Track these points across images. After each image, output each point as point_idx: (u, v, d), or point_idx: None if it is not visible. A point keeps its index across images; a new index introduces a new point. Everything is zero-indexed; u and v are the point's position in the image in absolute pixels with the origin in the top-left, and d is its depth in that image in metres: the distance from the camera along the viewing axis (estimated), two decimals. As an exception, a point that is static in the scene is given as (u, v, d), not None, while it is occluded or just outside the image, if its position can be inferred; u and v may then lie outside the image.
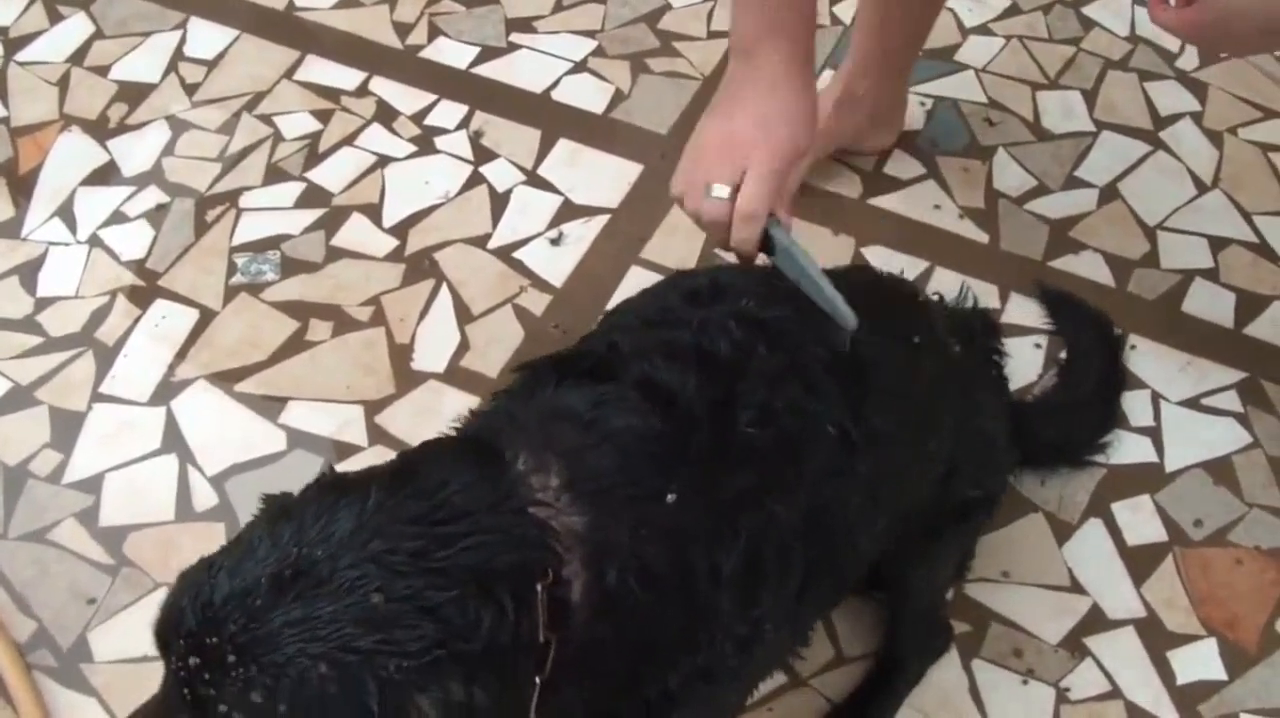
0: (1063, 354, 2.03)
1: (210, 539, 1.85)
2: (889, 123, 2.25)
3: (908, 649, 1.77)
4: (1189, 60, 2.40)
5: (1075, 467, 1.93)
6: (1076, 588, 1.83)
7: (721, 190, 1.47)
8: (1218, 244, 2.17)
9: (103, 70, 2.48)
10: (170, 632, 1.07)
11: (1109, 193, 2.23)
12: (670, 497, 1.23)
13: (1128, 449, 1.95)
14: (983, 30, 2.47)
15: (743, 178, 1.47)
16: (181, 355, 2.08)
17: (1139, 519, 1.89)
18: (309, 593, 1.04)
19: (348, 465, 1.88)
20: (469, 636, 1.06)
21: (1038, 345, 2.03)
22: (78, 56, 2.51)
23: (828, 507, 1.34)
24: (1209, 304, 2.10)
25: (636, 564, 1.19)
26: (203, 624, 1.05)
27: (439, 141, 2.33)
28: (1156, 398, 2.00)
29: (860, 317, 1.39)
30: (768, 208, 1.47)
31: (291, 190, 2.28)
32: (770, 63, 1.50)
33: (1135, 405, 1.99)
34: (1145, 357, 2.03)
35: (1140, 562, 1.85)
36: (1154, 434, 1.96)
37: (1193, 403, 2.00)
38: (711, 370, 1.31)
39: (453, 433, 1.30)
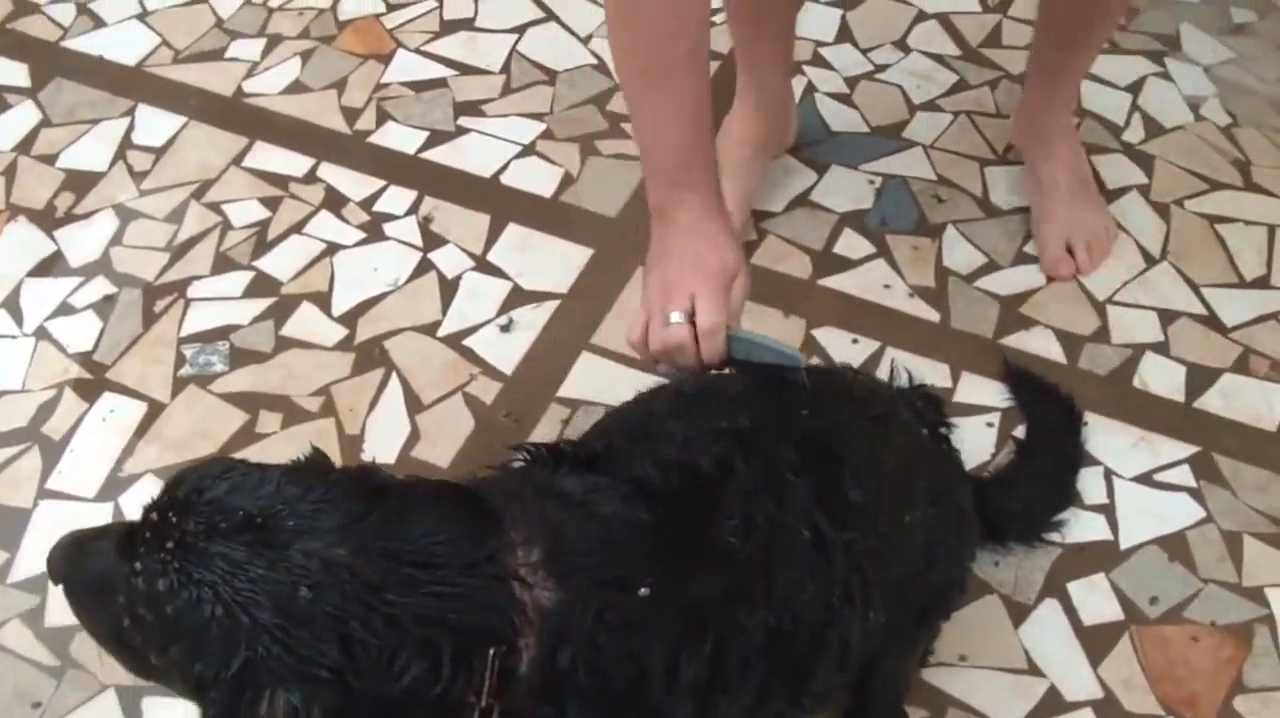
0: (1019, 430, 2.03)
1: (158, 639, 1.84)
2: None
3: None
4: (1135, 133, 2.42)
5: (1030, 545, 1.92)
6: (1034, 670, 1.82)
7: (677, 316, 1.58)
8: (1167, 317, 2.18)
9: (50, 159, 2.47)
10: (171, 486, 1.15)
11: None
12: (643, 590, 1.23)
13: (1082, 527, 1.94)
14: (930, 106, 2.48)
15: (694, 305, 1.58)
16: (130, 450, 2.06)
17: (1095, 598, 1.88)
18: (258, 547, 1.08)
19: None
20: (371, 676, 1.07)
21: (990, 424, 2.03)
22: (24, 145, 2.49)
23: (797, 616, 1.34)
24: (1160, 378, 2.11)
25: (589, 651, 1.18)
26: (181, 503, 1.11)
27: (388, 228, 2.32)
28: (1110, 474, 2.00)
29: (823, 404, 1.50)
30: (724, 319, 1.57)
31: (240, 280, 2.26)
32: (685, 217, 1.63)
33: (1089, 483, 1.99)
34: (1098, 433, 2.03)
35: (1097, 641, 1.85)
36: (1108, 512, 1.96)
37: (1146, 479, 2.00)
38: (696, 481, 1.34)
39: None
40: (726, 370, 1.60)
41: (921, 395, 1.77)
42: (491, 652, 1.12)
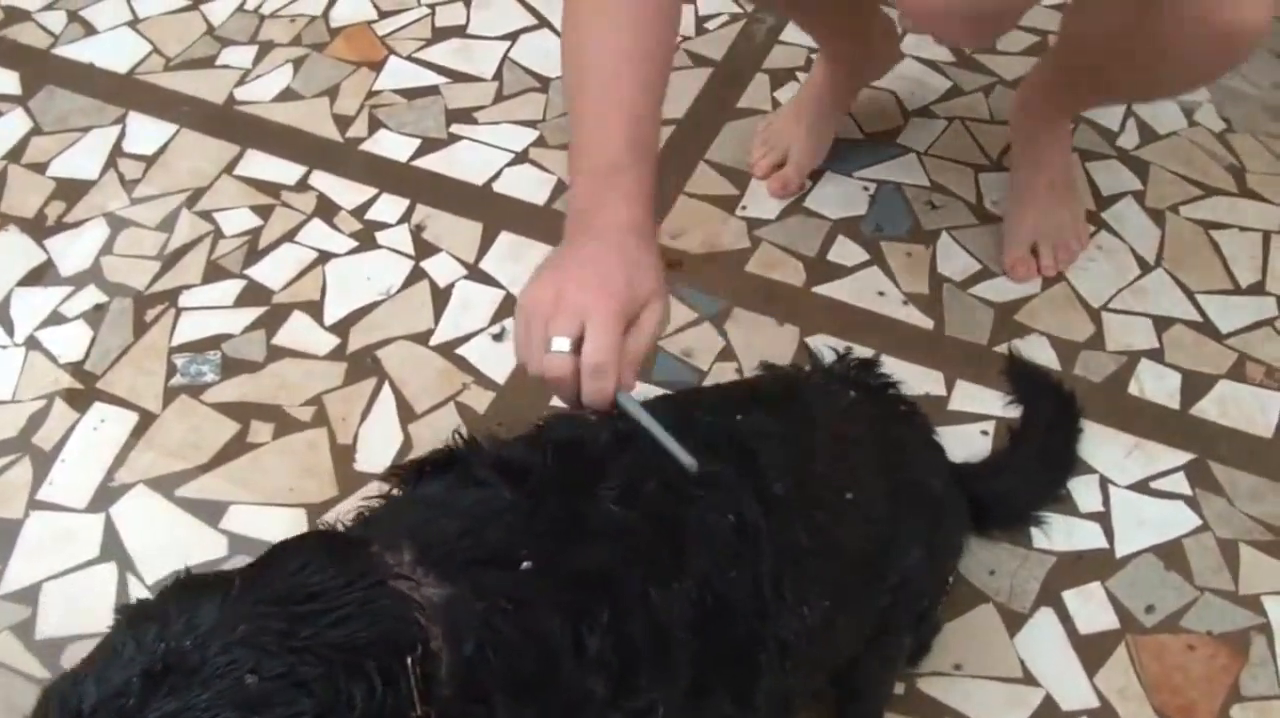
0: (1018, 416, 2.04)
1: (150, 651, 1.83)
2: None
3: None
4: (1130, 139, 2.41)
5: (1014, 539, 1.92)
6: (1029, 679, 1.81)
7: (562, 344, 1.35)
8: (1162, 324, 2.17)
9: (40, 167, 2.46)
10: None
11: (1057, 274, 2.23)
12: (525, 564, 1.21)
13: (1077, 536, 1.94)
14: (924, 113, 2.47)
15: (582, 331, 1.34)
16: (121, 460, 2.05)
17: (1090, 607, 1.87)
18: (182, 685, 1.01)
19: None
20: (343, 710, 1.04)
21: (984, 433, 2.03)
22: (15, 153, 2.48)
23: (725, 595, 1.29)
24: (1155, 385, 2.10)
25: (490, 636, 1.16)
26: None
27: (380, 236, 2.32)
28: (1105, 483, 1.99)
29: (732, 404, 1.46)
30: (615, 358, 1.34)
31: (232, 288, 2.25)
32: (605, 223, 1.43)
33: (1084, 491, 1.98)
34: (1093, 441, 2.02)
35: (1093, 651, 1.84)
36: (1103, 520, 1.95)
37: (1141, 487, 1.99)
38: (574, 455, 1.29)
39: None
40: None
41: (852, 365, 1.71)
42: (410, 659, 1.09)
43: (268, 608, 1.07)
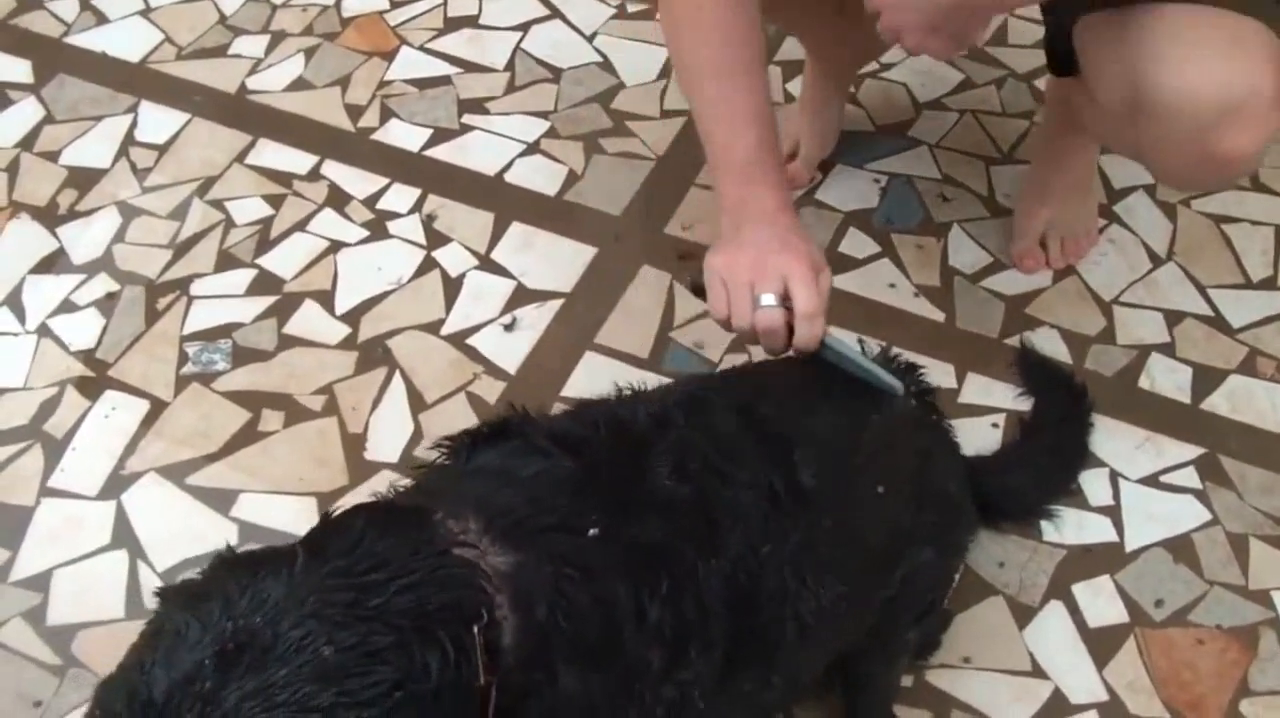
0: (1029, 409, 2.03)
1: (160, 638, 1.84)
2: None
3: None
4: (1141, 133, 2.40)
5: (1024, 533, 1.92)
6: (1038, 672, 1.81)
7: (770, 299, 1.56)
8: (1173, 318, 2.17)
9: (52, 156, 2.46)
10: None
11: (1064, 268, 2.23)
12: (593, 531, 1.22)
13: (1087, 529, 1.94)
14: (936, 105, 2.47)
15: (784, 287, 1.56)
16: (132, 448, 2.05)
17: (1100, 601, 1.87)
18: (258, 662, 1.00)
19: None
20: (420, 677, 1.04)
21: (995, 425, 2.02)
22: (27, 142, 2.49)
23: (753, 573, 1.33)
24: (1166, 379, 2.10)
25: (564, 601, 1.17)
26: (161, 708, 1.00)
27: (391, 226, 2.32)
28: (1115, 476, 1.99)
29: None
30: (823, 305, 1.57)
31: (243, 277, 2.26)
32: (760, 209, 1.64)
33: (1094, 484, 1.98)
34: (1103, 434, 2.02)
35: (1102, 644, 1.84)
36: (1113, 513, 1.95)
37: (1151, 480, 1.99)
38: (624, 431, 1.34)
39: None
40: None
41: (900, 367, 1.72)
42: (476, 628, 1.10)
43: (334, 579, 1.07)
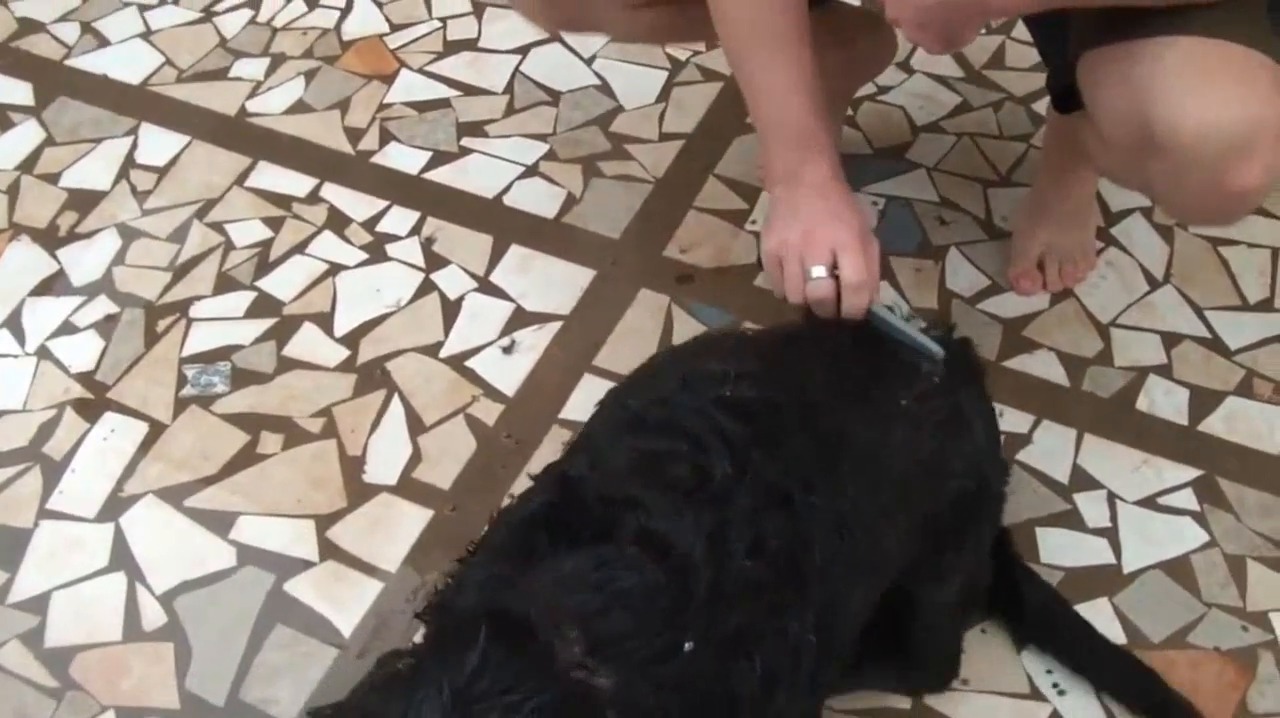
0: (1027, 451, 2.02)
1: (159, 660, 1.85)
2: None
3: (914, 661, 1.78)
4: (1138, 155, 2.41)
5: (1029, 558, 1.91)
6: (1036, 695, 1.81)
7: (820, 270, 1.67)
8: (1170, 340, 2.17)
9: (53, 178, 2.47)
10: None
11: (1061, 290, 2.23)
12: (688, 646, 1.28)
13: (1085, 551, 1.93)
14: (933, 128, 2.48)
15: (833, 258, 1.66)
16: (130, 470, 2.05)
17: (1098, 623, 1.85)
18: None
19: (298, 581, 1.88)
20: None
21: (993, 447, 2.03)
22: (27, 164, 2.50)
23: (832, 600, 1.41)
24: (1163, 401, 2.10)
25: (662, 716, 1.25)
26: None
27: (390, 249, 2.32)
28: (1112, 498, 1.99)
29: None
30: (871, 276, 1.68)
31: (242, 300, 2.26)
32: (817, 176, 1.73)
33: (1091, 506, 1.98)
34: (1100, 456, 2.03)
35: (1100, 667, 1.84)
36: (1111, 535, 1.95)
37: (1149, 502, 1.99)
38: (704, 501, 1.37)
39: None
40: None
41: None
42: None
43: (479, 705, 1.17)
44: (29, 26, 2.75)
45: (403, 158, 2.47)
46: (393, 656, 1.29)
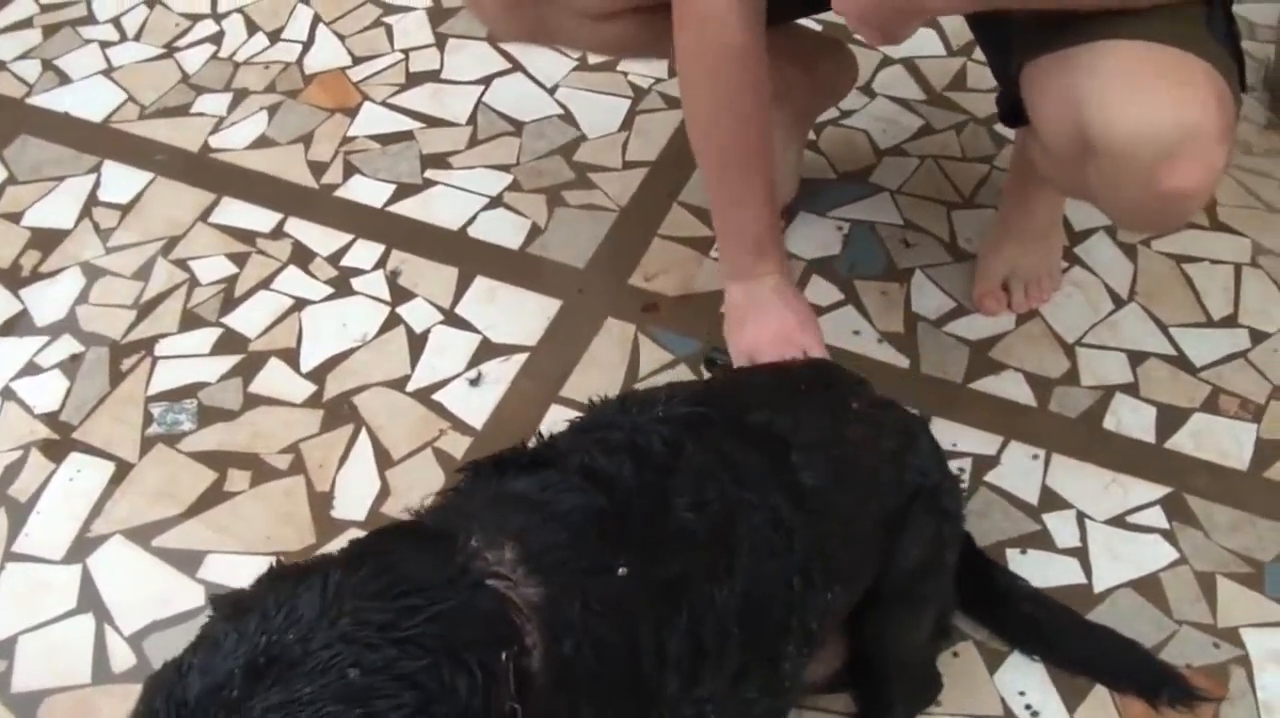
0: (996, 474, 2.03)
1: (129, 702, 1.79)
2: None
3: (894, 695, 1.78)
4: (1100, 174, 2.42)
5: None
6: (1009, 716, 1.81)
7: None
8: (1136, 358, 2.18)
9: (15, 217, 2.46)
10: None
11: (1027, 311, 2.24)
12: (621, 570, 1.29)
13: (1056, 571, 1.94)
14: (896, 151, 2.49)
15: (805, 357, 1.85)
16: (97, 510, 2.04)
17: (1069, 643, 1.87)
18: (285, 676, 1.05)
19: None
20: (446, 701, 1.08)
21: (961, 469, 2.02)
22: (-10, 204, 2.49)
23: (764, 590, 1.41)
24: (1130, 419, 2.11)
25: (590, 637, 1.23)
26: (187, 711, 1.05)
27: (356, 282, 2.32)
28: (1082, 517, 1.99)
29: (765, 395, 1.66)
30: None
31: (208, 337, 2.25)
32: (773, 281, 1.96)
33: (1061, 526, 1.98)
34: (1069, 476, 2.03)
35: (1073, 687, 1.83)
36: (1081, 555, 1.96)
37: (1118, 521, 1.99)
38: (645, 463, 1.40)
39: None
40: None
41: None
42: (504, 654, 1.14)
43: (368, 602, 1.11)
44: (-11, 65, 2.74)
45: (367, 191, 2.47)
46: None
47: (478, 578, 1.19)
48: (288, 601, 1.10)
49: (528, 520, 1.29)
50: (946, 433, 2.07)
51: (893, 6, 1.66)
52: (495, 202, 2.44)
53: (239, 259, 2.36)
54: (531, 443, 1.50)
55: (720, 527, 1.40)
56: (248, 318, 2.28)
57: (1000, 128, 2.48)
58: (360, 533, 1.93)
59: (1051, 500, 2.01)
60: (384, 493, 2.04)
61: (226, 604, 1.14)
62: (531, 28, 2.07)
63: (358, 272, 2.34)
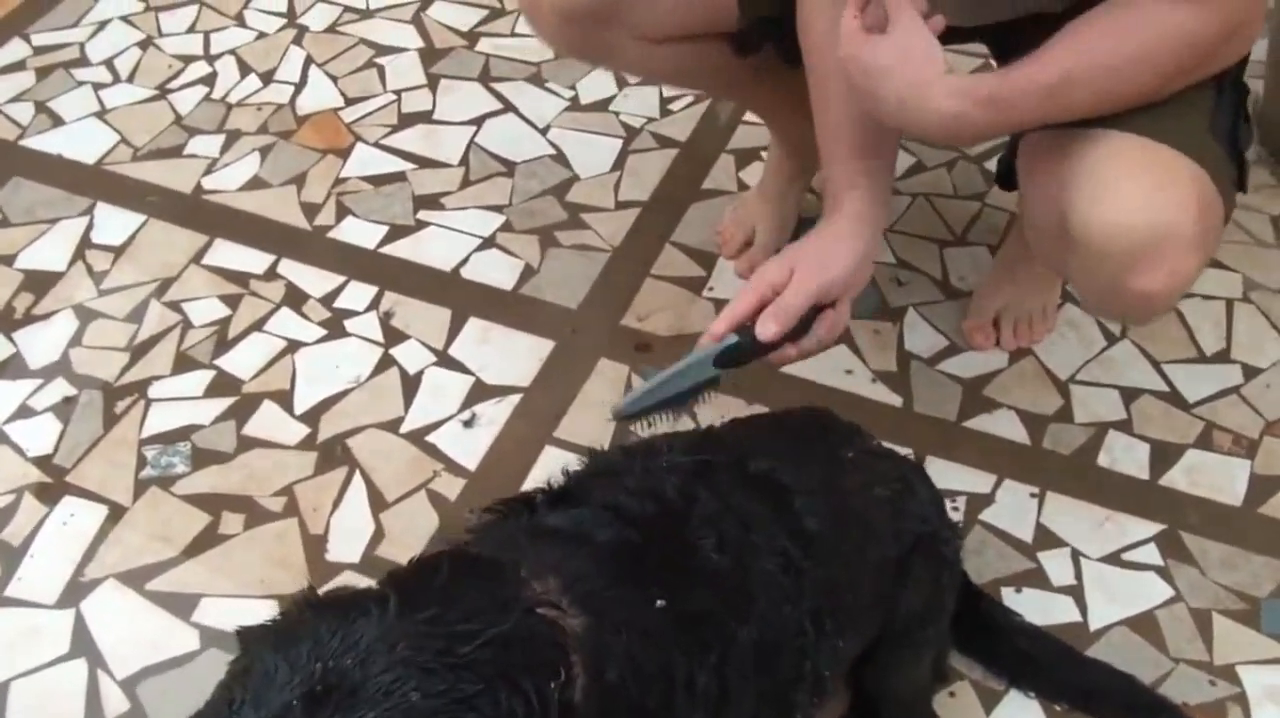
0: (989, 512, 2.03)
1: (120, 748, 1.82)
2: None
3: None
4: (1091, 211, 2.43)
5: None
6: (1006, 757, 1.81)
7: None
8: (1130, 395, 2.19)
9: (8, 259, 2.46)
10: None
11: (1020, 349, 2.24)
12: (660, 602, 1.30)
13: (1051, 609, 1.93)
14: (888, 189, 2.49)
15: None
16: (90, 554, 2.03)
17: (1065, 682, 1.87)
18: (346, 704, 1.04)
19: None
20: None
21: (955, 508, 2.02)
22: (-18, 247, 2.49)
23: (778, 637, 1.41)
24: (1124, 456, 2.11)
25: (633, 666, 1.23)
26: None
27: (349, 324, 2.32)
28: (1077, 556, 1.99)
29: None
30: (788, 317, 1.68)
31: (201, 379, 2.25)
32: (850, 211, 1.76)
33: (1055, 564, 1.98)
34: (1064, 514, 2.03)
35: (1070, 726, 1.84)
36: (1076, 593, 1.95)
37: (1113, 558, 1.99)
38: (665, 505, 1.42)
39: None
40: None
41: None
42: (554, 684, 1.14)
43: (424, 627, 1.10)
44: (-18, 107, 2.74)
45: (359, 232, 2.48)
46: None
47: (529, 605, 1.19)
48: (341, 627, 1.08)
49: (566, 552, 1.30)
50: (940, 472, 2.07)
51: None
52: (488, 242, 2.44)
53: (232, 301, 2.37)
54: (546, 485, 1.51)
55: (740, 569, 1.41)
56: (241, 360, 2.28)
57: (991, 165, 2.49)
58: (355, 575, 1.97)
59: (1046, 538, 2.01)
60: (378, 535, 2.04)
61: (264, 635, 1.12)
62: (586, 43, 2.06)
63: (351, 313, 2.34)
